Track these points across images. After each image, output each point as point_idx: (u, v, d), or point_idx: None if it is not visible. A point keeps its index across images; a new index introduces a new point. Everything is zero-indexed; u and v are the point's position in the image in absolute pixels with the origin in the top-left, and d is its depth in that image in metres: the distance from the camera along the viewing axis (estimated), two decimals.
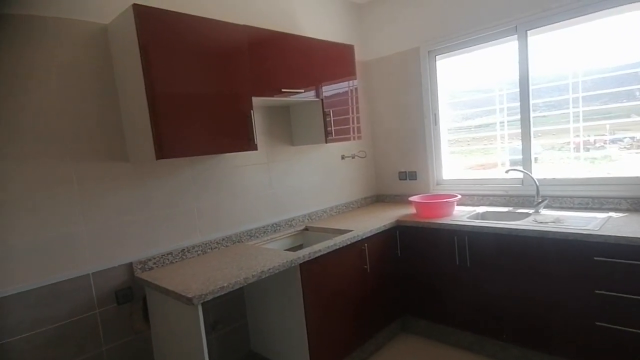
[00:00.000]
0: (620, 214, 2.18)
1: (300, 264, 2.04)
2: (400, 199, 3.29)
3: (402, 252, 2.70)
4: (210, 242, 2.30)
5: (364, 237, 2.43)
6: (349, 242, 2.32)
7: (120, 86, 1.91)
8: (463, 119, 3.02)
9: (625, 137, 2.33)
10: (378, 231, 2.53)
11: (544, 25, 2.45)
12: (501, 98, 2.74)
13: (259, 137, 2.50)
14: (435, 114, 3.06)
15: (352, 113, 2.79)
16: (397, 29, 3.15)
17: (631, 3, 2.14)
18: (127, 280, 1.97)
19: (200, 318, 1.63)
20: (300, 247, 2.69)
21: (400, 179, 3.35)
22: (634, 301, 1.82)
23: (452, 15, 2.82)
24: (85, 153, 1.84)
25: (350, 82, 2.76)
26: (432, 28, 2.94)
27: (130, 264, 1.98)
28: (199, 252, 2.24)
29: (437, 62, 3.01)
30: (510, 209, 2.65)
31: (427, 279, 2.61)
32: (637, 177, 2.25)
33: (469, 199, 2.90)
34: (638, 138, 2.26)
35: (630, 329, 1.84)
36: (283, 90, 2.27)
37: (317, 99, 2.53)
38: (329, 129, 2.56)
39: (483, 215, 2.67)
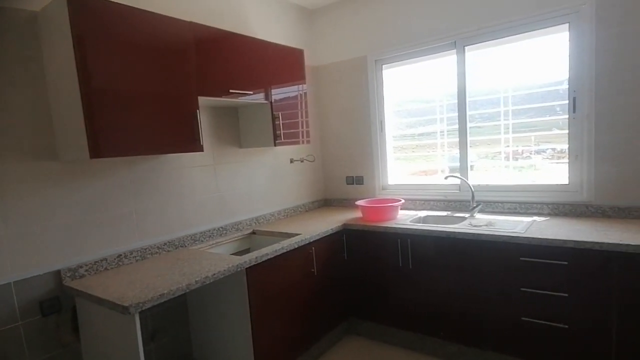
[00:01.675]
0: (543, 218, 2.40)
1: (247, 268, 2.01)
2: (348, 203, 3.36)
3: (349, 255, 2.75)
4: (151, 246, 2.19)
5: (312, 240, 2.44)
6: (296, 246, 2.32)
7: (51, 78, 1.76)
8: (407, 126, 3.16)
9: (547, 149, 2.57)
10: (325, 234, 2.56)
11: (480, 42, 2.64)
12: (441, 108, 2.90)
13: (206, 138, 2.43)
14: (381, 121, 3.17)
15: (302, 117, 2.81)
16: (346, 36, 3.23)
17: (554, 26, 2.37)
18: (53, 289, 1.81)
19: (137, 328, 1.54)
20: (247, 251, 2.65)
21: (347, 184, 3.42)
22: (553, 297, 2.00)
23: (398, 27, 2.94)
24: (7, 149, 1.67)
25: (300, 86, 2.78)
26: (379, 38, 3.05)
27: (58, 272, 1.82)
28: (137, 257, 2.12)
29: (383, 71, 3.12)
30: (449, 213, 2.81)
31: (372, 281, 2.68)
32: (557, 184, 2.48)
33: (412, 204, 3.03)
34: (558, 149, 2.50)
35: (550, 323, 2.03)
36: (231, 91, 2.23)
37: (266, 102, 2.51)
38: (277, 132, 2.55)
39: (424, 219, 2.80)
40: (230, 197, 2.69)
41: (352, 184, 3.39)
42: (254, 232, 2.75)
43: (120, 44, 1.72)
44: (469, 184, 2.69)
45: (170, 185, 2.30)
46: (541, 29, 2.41)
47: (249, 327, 2.03)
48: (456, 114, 2.79)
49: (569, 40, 2.33)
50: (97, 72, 1.64)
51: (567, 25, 2.32)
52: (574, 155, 2.39)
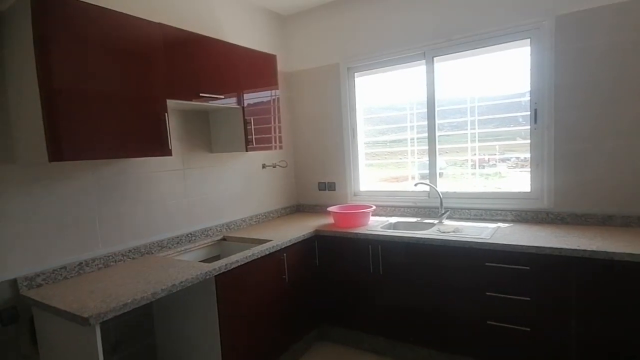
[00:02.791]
0: (507, 225, 2.49)
1: (216, 276, 1.97)
2: (320, 209, 3.36)
3: (321, 262, 2.75)
4: (115, 254, 2.11)
5: (283, 246, 2.42)
6: (267, 252, 2.30)
7: (10, 79, 1.68)
8: (380, 133, 3.21)
9: (512, 157, 2.68)
10: (297, 241, 2.55)
11: (448, 54, 2.73)
12: (412, 116, 2.97)
13: (174, 142, 2.37)
14: (353, 128, 3.21)
15: (274, 122, 2.80)
16: (319, 43, 3.25)
17: (517, 40, 2.48)
18: (11, 298, 1.71)
19: (97, 340, 1.47)
20: (217, 257, 2.60)
21: (320, 190, 3.42)
22: (516, 301, 2.07)
23: (369, 36, 3.00)
24: None
25: (273, 91, 2.77)
26: (351, 46, 3.09)
27: (14, 280, 1.72)
28: (100, 265, 2.04)
29: (355, 79, 3.16)
30: (419, 219, 2.86)
31: (343, 287, 2.69)
32: (520, 192, 2.59)
33: (383, 210, 3.07)
34: (522, 158, 2.61)
35: (514, 326, 2.10)
36: (201, 94, 2.19)
37: (238, 107, 2.49)
38: (249, 137, 2.53)
39: (395, 225, 2.85)
40: (200, 202, 2.63)
41: (325, 190, 3.40)
42: (224, 239, 2.70)
43: (84, 44, 1.67)
44: (437, 191, 2.76)
45: (136, 190, 2.23)
46: (505, 42, 2.52)
47: (218, 336, 1.99)
48: (426, 122, 2.86)
49: (531, 55, 2.44)
50: (59, 72, 1.58)
51: (529, 40, 2.44)
52: (536, 164, 2.50)
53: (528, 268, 2.02)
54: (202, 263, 2.09)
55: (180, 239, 2.47)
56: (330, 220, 2.96)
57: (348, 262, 2.64)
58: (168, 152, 2.00)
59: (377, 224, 2.76)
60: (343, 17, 3.10)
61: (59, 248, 1.88)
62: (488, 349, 2.19)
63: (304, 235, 2.61)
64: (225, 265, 2.01)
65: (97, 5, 1.71)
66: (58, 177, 1.88)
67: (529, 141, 2.52)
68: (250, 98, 2.56)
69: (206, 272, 1.90)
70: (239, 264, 2.09)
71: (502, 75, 2.61)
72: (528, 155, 2.54)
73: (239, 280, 2.12)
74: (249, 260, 2.16)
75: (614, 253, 1.81)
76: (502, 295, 2.11)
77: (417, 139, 2.96)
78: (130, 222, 2.20)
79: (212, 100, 2.28)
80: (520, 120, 2.55)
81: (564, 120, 2.35)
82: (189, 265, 2.01)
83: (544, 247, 1.97)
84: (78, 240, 1.96)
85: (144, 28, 1.90)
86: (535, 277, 2.02)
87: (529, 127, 2.50)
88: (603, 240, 2.00)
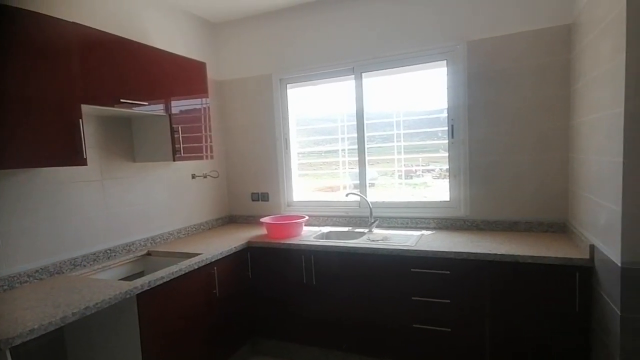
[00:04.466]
0: (430, 232, 2.66)
1: (138, 295, 1.83)
2: (253, 220, 3.31)
3: (254, 274, 2.70)
4: (19, 274, 1.88)
5: (214, 260, 2.34)
6: (196, 267, 2.20)
7: None
8: (314, 144, 3.26)
9: (435, 168, 2.88)
10: (229, 253, 2.48)
11: (375, 70, 2.88)
12: (343, 128, 3.06)
13: (91, 151, 2.20)
14: (286, 139, 3.22)
15: (204, 131, 2.71)
16: (252, 53, 3.24)
17: (436, 61, 2.69)
18: None
19: None
20: (140, 274, 2.42)
21: (253, 200, 3.37)
22: (439, 304, 2.21)
23: (302, 49, 3.05)
24: None
25: (203, 99, 2.69)
26: (284, 58, 3.12)
27: None
28: (5, 287, 1.81)
29: (288, 90, 3.19)
30: (350, 228, 2.94)
31: (276, 298, 2.66)
32: (441, 201, 2.78)
33: (316, 220, 3.11)
34: (444, 169, 2.80)
35: (437, 328, 2.23)
36: (122, 100, 2.06)
37: (164, 114, 2.37)
38: (177, 146, 2.42)
39: (327, 235, 2.89)
40: (122, 215, 2.45)
41: (258, 200, 3.35)
42: (149, 254, 2.54)
43: None
44: (367, 201, 2.86)
45: (45, 202, 2.01)
46: (425, 62, 2.72)
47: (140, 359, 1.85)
48: (357, 135, 2.97)
49: (447, 75, 2.66)
50: None
51: (445, 61, 2.66)
52: (454, 175, 2.71)
53: (448, 272, 2.18)
54: (121, 281, 1.94)
55: (98, 256, 2.27)
56: (263, 231, 2.92)
57: (281, 273, 2.62)
58: (82, 162, 1.84)
59: (310, 234, 2.78)
60: (276, 29, 3.12)
61: None
62: (415, 351, 2.31)
63: (235, 247, 2.55)
64: (149, 282, 1.89)
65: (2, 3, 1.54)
66: None
67: (447, 154, 2.73)
68: (178, 105, 2.46)
69: (126, 292, 1.77)
70: (165, 281, 1.98)
71: (424, 92, 2.82)
72: (448, 166, 2.75)
73: (165, 297, 2.00)
74: (176, 275, 2.05)
75: (519, 256, 2.01)
76: (426, 299, 2.24)
77: (349, 150, 3.05)
78: (36, 239, 1.97)
79: (135, 106, 2.15)
80: (440, 134, 2.76)
81: (477, 136, 2.59)
82: (106, 285, 1.85)
83: (461, 252, 2.13)
84: None
85: (57, 27, 1.74)
86: (454, 281, 2.17)
87: (447, 141, 2.71)
88: (510, 244, 2.22)
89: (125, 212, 2.48)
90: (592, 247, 1.86)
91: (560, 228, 2.43)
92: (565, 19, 2.30)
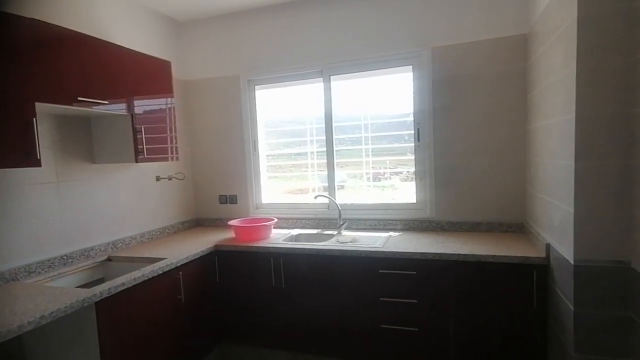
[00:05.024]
0: (397, 233, 2.70)
1: (96, 303, 1.75)
2: (221, 223, 3.24)
3: (221, 278, 2.64)
4: None
5: (179, 264, 2.28)
6: (160, 272, 2.13)
7: None
8: (284, 146, 3.24)
9: (403, 171, 2.93)
10: (195, 257, 2.42)
11: (343, 74, 2.90)
12: (312, 131, 3.06)
13: (46, 151, 2.09)
14: (254, 141, 3.19)
15: (170, 132, 2.64)
16: (219, 53, 3.18)
17: (402, 66, 2.75)
18: None
19: None
20: (100, 281, 2.31)
21: (221, 203, 3.31)
22: (406, 304, 2.25)
23: (270, 51, 3.03)
24: None
25: (168, 99, 2.62)
26: (252, 59, 3.09)
27: None
28: None
29: (256, 91, 3.16)
30: (319, 230, 2.95)
31: (245, 303, 2.62)
32: (408, 203, 2.84)
33: (285, 222, 3.09)
34: (411, 172, 2.86)
35: (404, 327, 2.27)
36: (80, 99, 1.96)
37: (126, 114, 2.28)
38: (140, 147, 2.34)
39: (296, 238, 2.88)
40: (80, 219, 2.33)
41: (226, 203, 3.29)
42: (109, 259, 2.43)
43: None
44: (336, 203, 2.88)
45: None
46: (392, 67, 2.78)
47: None
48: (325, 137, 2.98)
49: (413, 80, 2.72)
50: None
51: (411, 67, 2.72)
52: (420, 178, 2.78)
53: (415, 273, 2.22)
54: (79, 289, 1.85)
55: (53, 262, 2.15)
56: (231, 234, 2.87)
57: (250, 276, 2.58)
58: (36, 163, 1.73)
59: (279, 237, 2.76)
60: (244, 29, 3.08)
61: None
62: (384, 351, 2.33)
63: (202, 251, 2.49)
64: (108, 289, 1.81)
65: None
66: None
67: (414, 157, 2.79)
68: (141, 105, 2.37)
69: (84, 299, 1.68)
70: (126, 287, 1.90)
71: (391, 96, 2.87)
72: (414, 169, 2.81)
73: (127, 305, 1.92)
74: (139, 282, 1.98)
75: (480, 255, 2.09)
76: (394, 300, 2.27)
77: (318, 152, 3.06)
78: None
79: (94, 105, 2.05)
80: (407, 138, 2.82)
81: (442, 139, 2.67)
82: (62, 293, 1.76)
83: (427, 253, 2.18)
84: None
85: (10, 23, 1.64)
86: (420, 281, 2.22)
87: (413, 144, 2.77)
88: (472, 244, 2.30)
89: (84, 215, 2.36)
90: (548, 246, 1.96)
91: (519, 228, 2.54)
92: (523, 28, 2.42)
